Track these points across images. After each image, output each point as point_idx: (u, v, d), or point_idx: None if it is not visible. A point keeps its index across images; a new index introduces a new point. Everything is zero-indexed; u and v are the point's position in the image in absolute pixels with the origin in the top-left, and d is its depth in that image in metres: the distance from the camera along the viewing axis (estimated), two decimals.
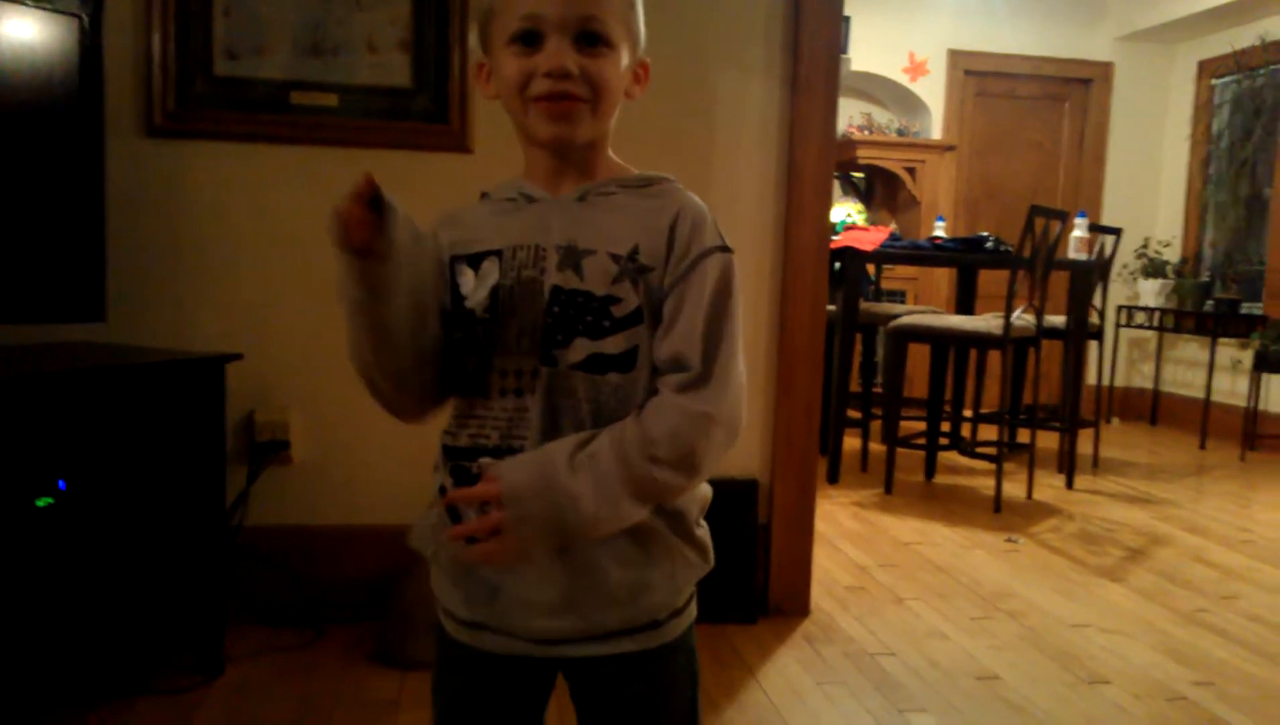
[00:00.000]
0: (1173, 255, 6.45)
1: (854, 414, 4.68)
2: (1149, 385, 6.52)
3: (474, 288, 1.01)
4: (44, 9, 1.91)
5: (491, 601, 1.01)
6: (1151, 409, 6.45)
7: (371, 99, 2.36)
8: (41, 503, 1.70)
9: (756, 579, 2.56)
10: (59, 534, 1.74)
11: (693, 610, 1.06)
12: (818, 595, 2.70)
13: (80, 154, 2.00)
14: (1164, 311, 6.19)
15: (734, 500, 2.50)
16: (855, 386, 5.07)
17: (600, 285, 0.98)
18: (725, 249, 1.00)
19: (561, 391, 0.97)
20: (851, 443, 4.66)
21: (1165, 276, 6.33)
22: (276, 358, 2.35)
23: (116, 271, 2.11)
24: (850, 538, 3.41)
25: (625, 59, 1.02)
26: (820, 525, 2.92)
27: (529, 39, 0.98)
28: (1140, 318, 6.31)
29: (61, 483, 1.74)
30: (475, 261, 1.02)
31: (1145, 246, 6.47)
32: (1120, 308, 6.33)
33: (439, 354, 1.02)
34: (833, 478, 4.22)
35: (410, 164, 2.38)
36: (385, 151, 2.37)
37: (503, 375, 0.99)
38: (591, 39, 0.98)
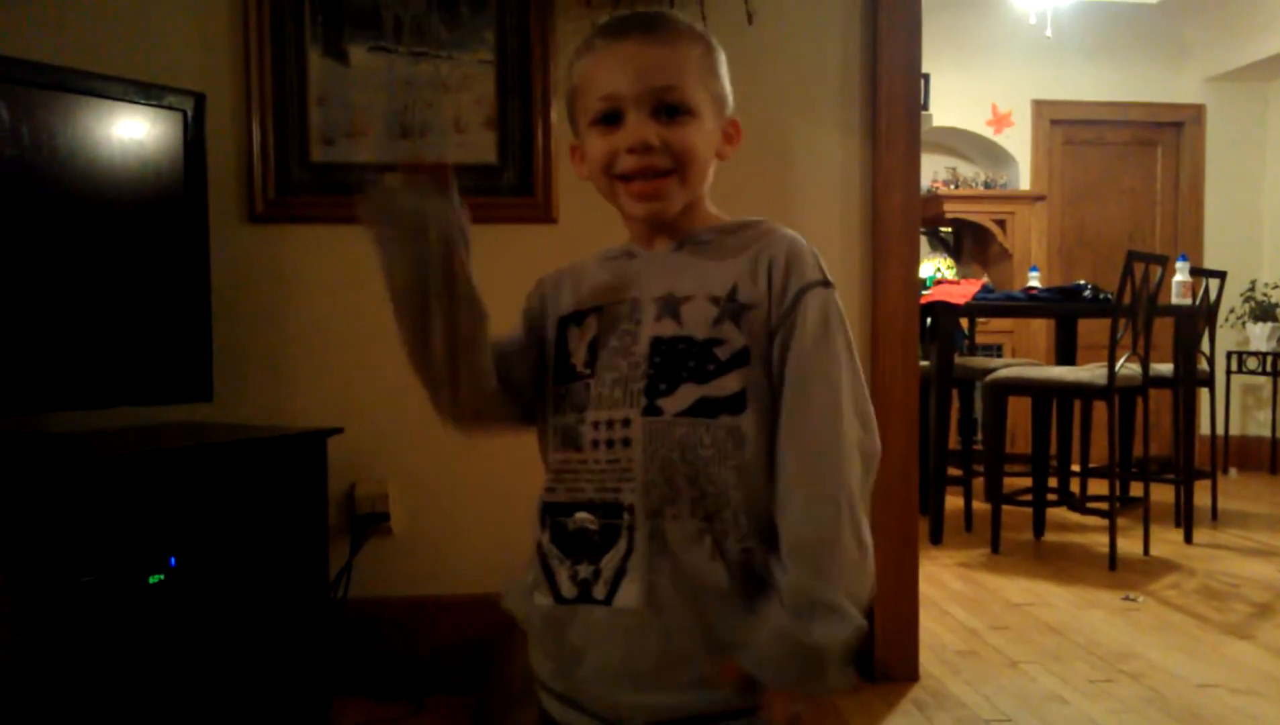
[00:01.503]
0: None
1: (955, 472, 4.57)
2: (1266, 433, 6.24)
3: (578, 344, 1.03)
4: (151, 106, 2.01)
5: (572, 671, 0.99)
6: (1271, 457, 6.17)
7: (460, 176, 2.38)
8: (153, 579, 1.75)
9: (862, 643, 2.49)
10: (170, 610, 1.78)
11: None
12: (926, 659, 2.61)
13: (186, 242, 2.09)
14: (1277, 356, 5.94)
15: None
16: (954, 444, 4.96)
17: (701, 329, 0.97)
18: (825, 283, 0.99)
19: (667, 441, 0.96)
20: (954, 502, 4.54)
21: (1275, 319, 6.09)
22: (374, 431, 2.39)
23: (222, 352, 2.18)
24: (958, 599, 3.30)
25: (710, 123, 1.02)
26: (925, 587, 2.84)
27: (610, 118, 1.00)
28: (1252, 363, 6.07)
29: (172, 559, 1.78)
30: (580, 319, 1.05)
31: (1252, 290, 6.25)
32: (1230, 353, 6.10)
33: (488, 374, 1.05)
34: (935, 538, 4.11)
35: (499, 236, 2.43)
36: (474, 226, 2.41)
37: (595, 427, 0.99)
38: (671, 110, 0.99)
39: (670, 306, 0.99)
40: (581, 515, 0.98)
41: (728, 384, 0.96)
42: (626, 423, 0.97)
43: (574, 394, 1.01)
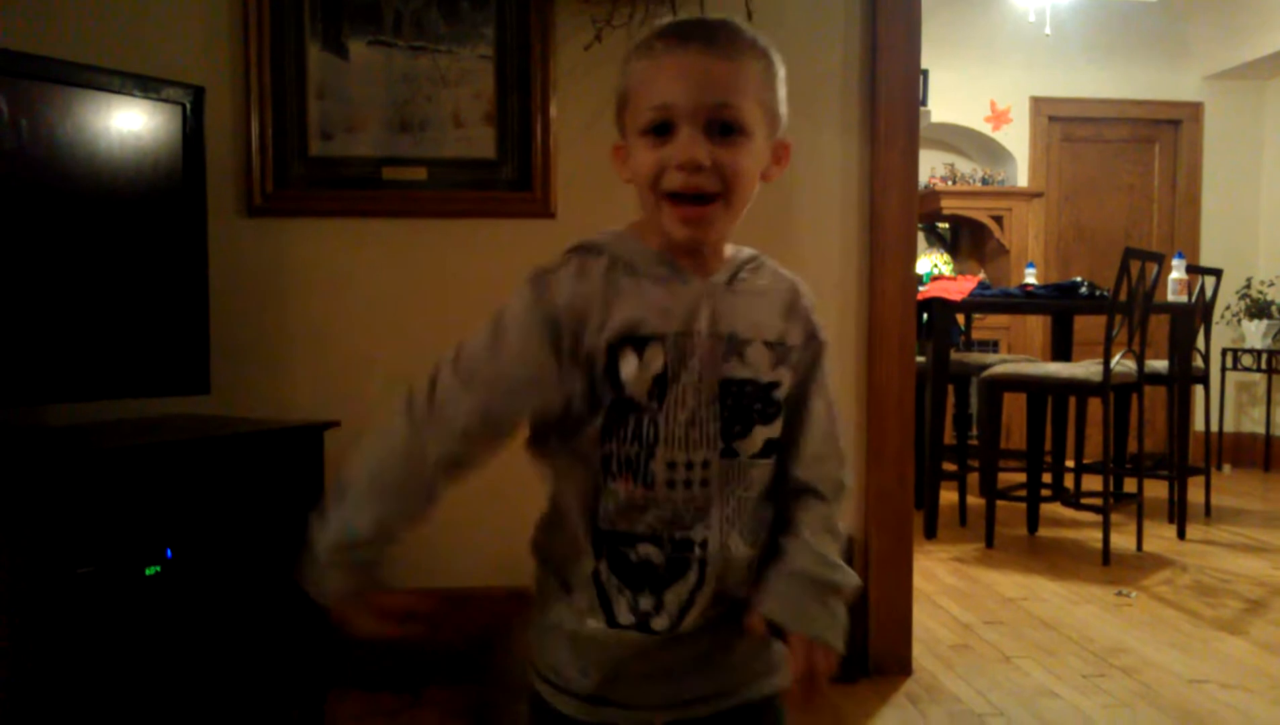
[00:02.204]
0: (1277, 295, 6.23)
1: (950, 467, 4.58)
2: (1260, 430, 6.27)
3: (636, 374, 0.96)
4: (150, 99, 2.01)
5: (609, 674, 1.01)
6: (1265, 455, 6.19)
7: (459, 171, 2.43)
8: (150, 571, 1.75)
9: (855, 637, 2.50)
10: (166, 602, 1.79)
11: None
12: (920, 654, 2.63)
13: (185, 235, 2.09)
14: (1272, 353, 5.96)
15: None
16: (950, 439, 4.97)
17: (765, 372, 0.99)
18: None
19: (742, 482, 0.99)
20: (948, 497, 4.55)
21: (1270, 317, 6.10)
22: (371, 424, 2.39)
23: (219, 345, 2.18)
24: (951, 594, 3.31)
25: (761, 143, 0.99)
26: (919, 582, 2.85)
27: (661, 129, 0.95)
28: (1247, 360, 6.09)
29: (169, 551, 1.79)
30: (640, 345, 0.96)
31: (1248, 287, 6.26)
32: (1225, 351, 6.12)
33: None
34: (930, 533, 4.12)
35: (497, 231, 2.44)
36: (472, 220, 2.43)
37: (670, 466, 0.97)
38: (726, 128, 0.95)
39: (736, 347, 0.99)
40: (646, 548, 0.97)
41: (779, 424, 1.02)
42: (706, 465, 0.97)
43: (638, 426, 0.97)
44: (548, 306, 0.98)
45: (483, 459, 1.00)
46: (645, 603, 0.98)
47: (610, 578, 0.99)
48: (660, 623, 0.98)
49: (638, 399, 0.96)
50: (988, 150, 6.61)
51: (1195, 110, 6.45)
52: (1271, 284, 6.27)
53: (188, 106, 2.07)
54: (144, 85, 2.00)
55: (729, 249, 1.05)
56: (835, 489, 1.06)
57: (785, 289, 1.05)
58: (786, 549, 1.02)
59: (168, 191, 2.06)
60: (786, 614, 0.99)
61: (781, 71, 1.03)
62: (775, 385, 1.00)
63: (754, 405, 0.98)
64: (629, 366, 0.96)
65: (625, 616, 0.99)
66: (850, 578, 1.02)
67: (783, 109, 1.03)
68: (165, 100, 2.04)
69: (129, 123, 1.98)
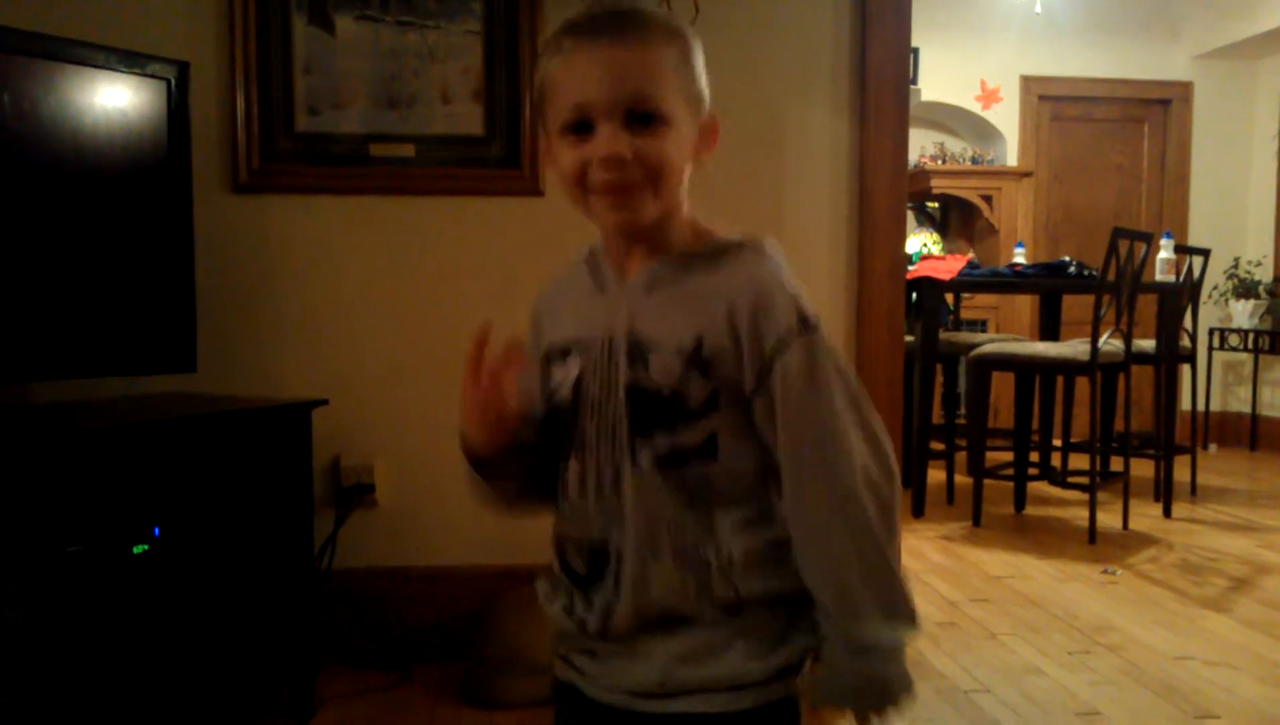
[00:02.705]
0: (1264, 275, 6.25)
1: (937, 446, 4.60)
2: (1246, 409, 6.30)
3: (560, 381, 1.00)
4: (135, 74, 1.99)
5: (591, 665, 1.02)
6: (1250, 433, 6.22)
7: (447, 148, 2.41)
8: (138, 549, 1.75)
9: None
10: (154, 580, 1.79)
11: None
12: None
13: (170, 212, 2.07)
14: (1258, 333, 5.99)
15: None
16: (938, 418, 4.98)
17: (668, 380, 0.94)
18: (805, 328, 0.94)
19: (651, 491, 0.96)
20: (936, 476, 4.57)
21: (1258, 296, 6.13)
22: (360, 403, 2.40)
23: (206, 323, 2.17)
24: (939, 572, 3.33)
25: (685, 128, 0.96)
26: (907, 559, 2.86)
27: (580, 127, 0.93)
28: (1234, 340, 6.12)
29: (156, 529, 1.79)
30: (564, 355, 1.01)
31: (1235, 267, 6.28)
32: (1212, 330, 6.15)
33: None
34: (918, 511, 4.14)
35: (485, 209, 2.42)
36: (461, 198, 2.42)
37: (582, 475, 0.99)
38: (645, 118, 0.93)
39: (640, 354, 0.96)
40: (571, 554, 1.01)
41: (697, 432, 0.95)
42: (616, 472, 0.97)
43: (565, 435, 1.01)
44: (528, 336, 1.06)
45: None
46: (579, 604, 1.01)
47: (561, 575, 1.03)
48: (593, 623, 0.99)
49: (562, 408, 1.00)
50: (978, 129, 6.60)
51: (1185, 90, 6.45)
52: (1259, 264, 6.29)
53: (172, 82, 2.05)
54: (128, 60, 1.98)
55: (693, 234, 1.01)
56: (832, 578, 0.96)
57: (734, 290, 0.95)
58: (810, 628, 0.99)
59: (153, 167, 2.04)
60: (831, 701, 0.98)
61: (698, 48, 0.99)
62: (683, 396, 0.94)
63: (658, 412, 0.95)
64: (556, 376, 1.01)
65: (573, 614, 1.02)
66: (887, 660, 0.96)
67: (703, 88, 0.99)
68: (150, 75, 2.02)
69: (113, 98, 1.96)
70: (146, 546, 1.76)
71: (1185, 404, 5.58)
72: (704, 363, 0.94)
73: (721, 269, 0.97)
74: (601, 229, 1.01)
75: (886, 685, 0.96)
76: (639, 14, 0.95)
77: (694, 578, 0.95)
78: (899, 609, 0.97)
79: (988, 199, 6.38)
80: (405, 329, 2.43)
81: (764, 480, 0.98)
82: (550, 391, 1.01)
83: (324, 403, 2.14)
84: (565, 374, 1.00)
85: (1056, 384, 4.54)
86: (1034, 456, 4.50)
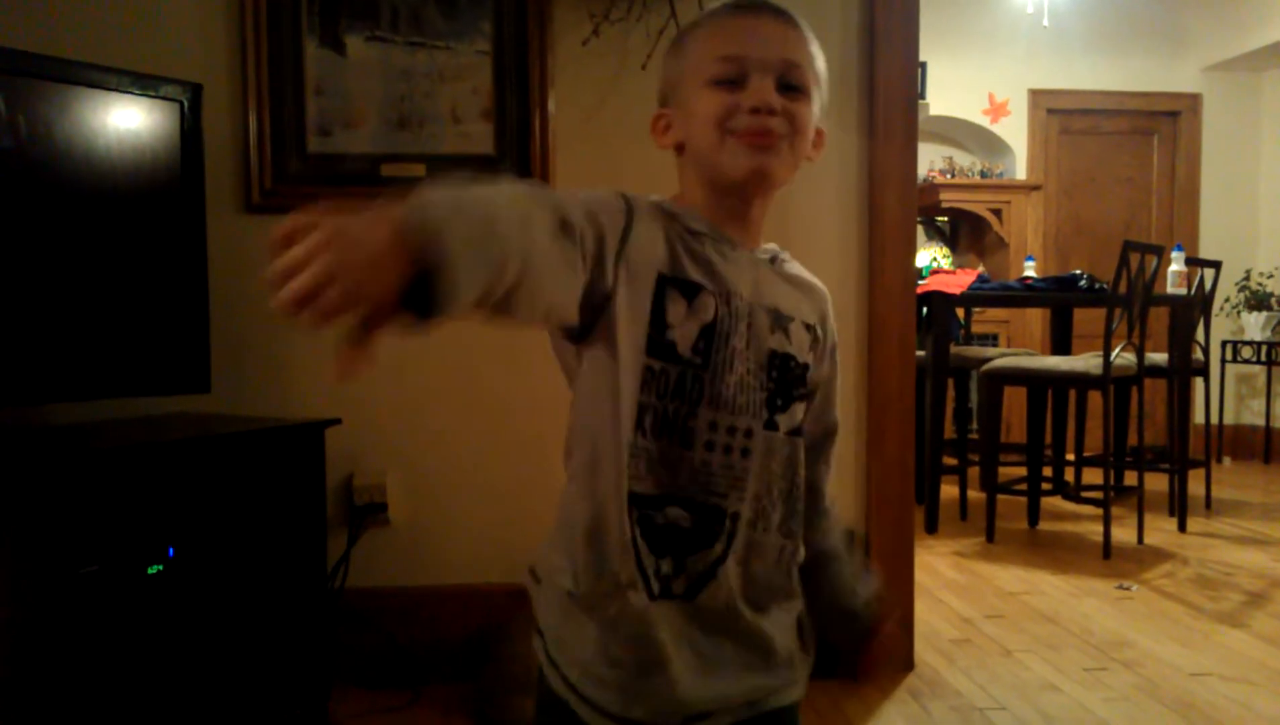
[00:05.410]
0: (1276, 287, 6.23)
1: (950, 461, 4.58)
2: (1260, 422, 6.27)
3: (683, 320, 0.93)
4: (148, 96, 2.01)
5: (651, 675, 0.93)
6: (1265, 447, 6.19)
7: (458, 167, 2.42)
8: (152, 570, 1.75)
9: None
10: (168, 600, 1.79)
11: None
12: (921, 649, 2.63)
13: (183, 232, 2.08)
14: (1271, 345, 5.96)
15: None
16: (950, 433, 4.97)
17: (803, 352, 1.01)
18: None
19: (775, 456, 0.98)
20: (949, 491, 4.56)
21: (1270, 309, 6.10)
22: (372, 422, 2.40)
23: (219, 343, 2.18)
24: (953, 589, 3.31)
25: (812, 118, 1.01)
26: (920, 576, 2.85)
27: (730, 81, 0.96)
28: (1247, 352, 6.09)
29: (171, 550, 1.79)
30: (690, 292, 0.93)
31: (1247, 279, 6.26)
32: (1225, 343, 6.12)
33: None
34: (931, 527, 4.12)
35: None
36: None
37: (712, 427, 0.93)
38: (793, 87, 0.97)
39: (781, 322, 0.99)
40: (674, 511, 0.93)
41: (804, 407, 1.03)
42: (749, 433, 0.95)
43: (680, 380, 0.92)
44: (630, 208, 0.94)
45: (530, 293, 0.79)
46: (665, 566, 0.93)
47: (642, 543, 0.92)
48: (679, 585, 0.93)
49: (680, 350, 0.92)
50: (986, 143, 6.60)
51: (1194, 102, 6.45)
52: (1270, 276, 6.27)
53: (185, 104, 2.07)
54: (141, 83, 2.00)
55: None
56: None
57: (812, 283, 1.08)
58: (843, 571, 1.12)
59: (166, 189, 2.05)
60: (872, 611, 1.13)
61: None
62: (809, 367, 1.02)
63: (796, 382, 0.99)
64: (676, 311, 0.92)
65: (655, 584, 0.93)
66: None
67: (825, 94, 1.05)
68: (163, 97, 2.03)
69: (127, 120, 1.97)
70: (161, 567, 1.77)
71: (1199, 417, 5.56)
72: (816, 342, 1.03)
73: (794, 268, 1.07)
74: (714, 189, 0.99)
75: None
76: (793, 12, 1.02)
77: (790, 550, 1.02)
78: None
79: (997, 213, 6.38)
80: (417, 348, 2.43)
81: None
82: (667, 323, 0.92)
83: (336, 422, 2.15)
84: (691, 315, 0.93)
85: (1069, 398, 4.53)
86: (1047, 471, 4.48)
